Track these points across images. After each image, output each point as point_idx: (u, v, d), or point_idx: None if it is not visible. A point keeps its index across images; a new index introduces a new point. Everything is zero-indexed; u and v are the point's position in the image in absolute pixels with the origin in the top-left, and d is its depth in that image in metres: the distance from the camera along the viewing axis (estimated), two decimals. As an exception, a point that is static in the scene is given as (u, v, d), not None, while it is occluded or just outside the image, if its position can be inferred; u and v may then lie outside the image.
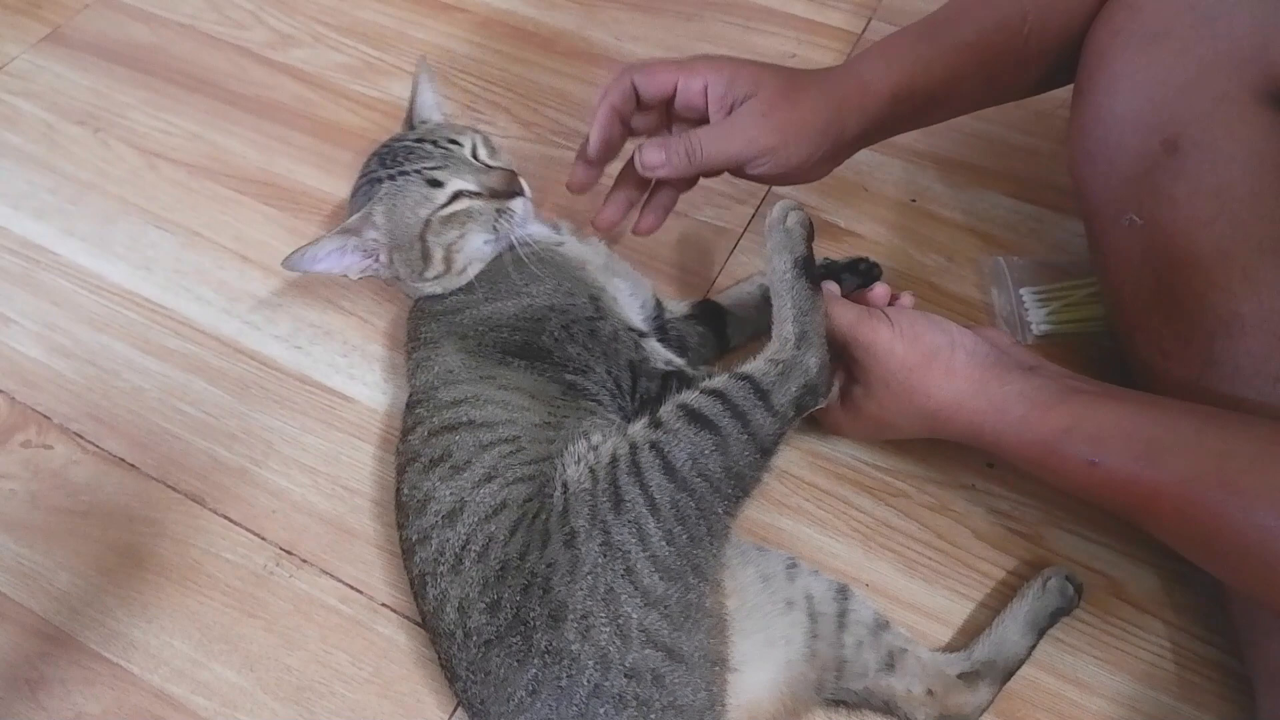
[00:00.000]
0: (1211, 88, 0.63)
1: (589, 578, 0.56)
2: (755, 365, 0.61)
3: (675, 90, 0.69)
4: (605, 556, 0.56)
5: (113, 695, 0.65)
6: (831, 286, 0.68)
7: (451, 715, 0.64)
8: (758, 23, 1.09)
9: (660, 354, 0.69)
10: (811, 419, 0.66)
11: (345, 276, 0.73)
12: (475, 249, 0.71)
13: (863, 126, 0.70)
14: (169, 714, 0.64)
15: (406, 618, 0.67)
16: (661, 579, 0.56)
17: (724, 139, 0.67)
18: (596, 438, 0.62)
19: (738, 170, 0.69)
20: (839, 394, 0.65)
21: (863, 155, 0.77)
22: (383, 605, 0.68)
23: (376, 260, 0.72)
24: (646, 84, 0.69)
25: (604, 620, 0.55)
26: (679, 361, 0.69)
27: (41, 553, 0.72)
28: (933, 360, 0.60)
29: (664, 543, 0.57)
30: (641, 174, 0.71)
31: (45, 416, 0.79)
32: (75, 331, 0.84)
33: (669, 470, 0.58)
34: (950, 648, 0.65)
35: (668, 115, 0.73)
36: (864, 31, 1.07)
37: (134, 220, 0.92)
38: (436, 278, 0.71)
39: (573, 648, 0.55)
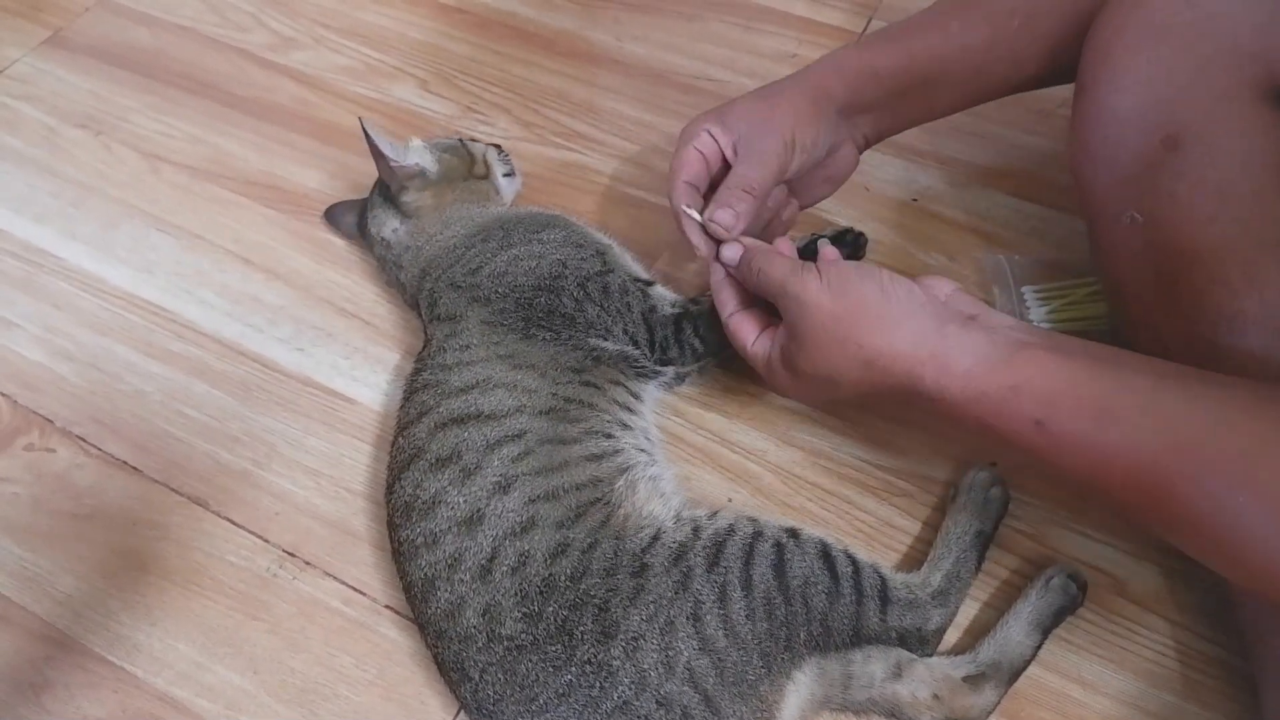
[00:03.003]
0: (1213, 85, 0.62)
1: (650, 606, 0.57)
2: (895, 575, 0.63)
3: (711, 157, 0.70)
4: (676, 594, 0.57)
5: (117, 699, 0.66)
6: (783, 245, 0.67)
7: (455, 717, 0.64)
8: (758, 22, 1.09)
9: (666, 297, 0.74)
10: (757, 379, 0.67)
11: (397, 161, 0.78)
12: (501, 177, 0.84)
13: (848, 98, 0.72)
14: (173, 717, 0.65)
15: (410, 620, 0.67)
16: (726, 637, 0.57)
17: (751, 164, 0.68)
18: (668, 484, 0.66)
19: (795, 191, 0.76)
20: (780, 353, 0.63)
21: (864, 154, 0.77)
22: (386, 607, 0.69)
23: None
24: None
25: (654, 647, 0.56)
26: (683, 300, 0.74)
27: (45, 556, 0.72)
28: (863, 309, 0.58)
29: (742, 615, 0.57)
30: (721, 237, 0.68)
31: (48, 420, 0.79)
32: (77, 335, 0.84)
33: (779, 573, 0.59)
34: (956, 649, 0.64)
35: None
36: (864, 31, 1.07)
37: (136, 223, 0.93)
38: (482, 177, 0.82)
39: (614, 663, 0.55)
